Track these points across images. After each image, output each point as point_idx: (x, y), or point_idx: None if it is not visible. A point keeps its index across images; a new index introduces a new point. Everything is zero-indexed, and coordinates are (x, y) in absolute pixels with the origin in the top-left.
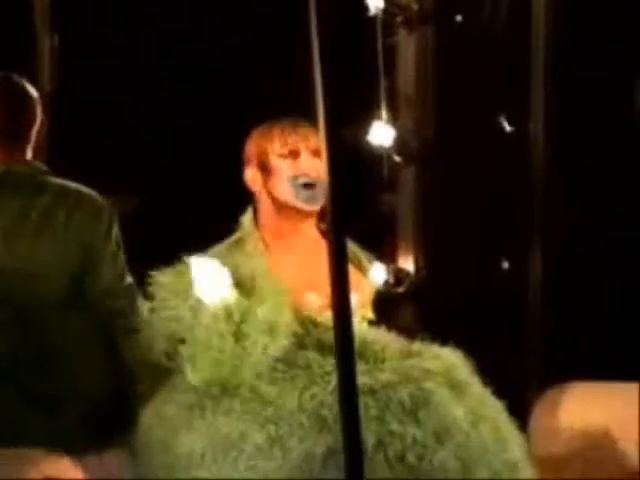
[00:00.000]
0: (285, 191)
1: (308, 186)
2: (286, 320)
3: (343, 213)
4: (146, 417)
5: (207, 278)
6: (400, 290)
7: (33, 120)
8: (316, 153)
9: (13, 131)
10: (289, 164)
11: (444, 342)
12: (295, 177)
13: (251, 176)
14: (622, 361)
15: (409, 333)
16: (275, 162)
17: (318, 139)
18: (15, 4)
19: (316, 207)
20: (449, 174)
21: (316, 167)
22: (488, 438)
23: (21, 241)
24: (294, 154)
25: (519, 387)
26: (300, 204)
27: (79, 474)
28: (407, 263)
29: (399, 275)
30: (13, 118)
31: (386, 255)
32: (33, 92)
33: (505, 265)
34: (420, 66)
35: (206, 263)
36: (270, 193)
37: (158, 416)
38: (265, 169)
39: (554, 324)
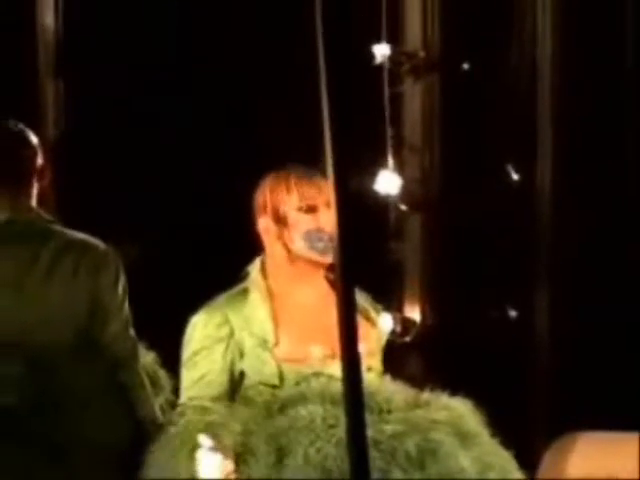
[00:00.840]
0: (301, 243)
1: (323, 240)
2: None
3: (352, 263)
4: (151, 469)
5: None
6: (406, 339)
7: (34, 169)
8: (329, 205)
9: (12, 178)
10: (307, 218)
11: (453, 392)
12: (311, 231)
13: (265, 226)
14: (632, 410)
15: (416, 382)
16: (292, 215)
17: (329, 191)
18: (19, 49)
19: (330, 259)
20: (455, 223)
21: (331, 220)
22: None
23: (30, 290)
24: (312, 208)
25: (526, 437)
26: (315, 256)
27: None
28: (413, 312)
29: (405, 324)
30: (10, 165)
31: (392, 304)
32: (32, 138)
33: (512, 313)
34: (426, 114)
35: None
36: (285, 243)
37: (164, 468)
38: (280, 221)
39: (562, 372)
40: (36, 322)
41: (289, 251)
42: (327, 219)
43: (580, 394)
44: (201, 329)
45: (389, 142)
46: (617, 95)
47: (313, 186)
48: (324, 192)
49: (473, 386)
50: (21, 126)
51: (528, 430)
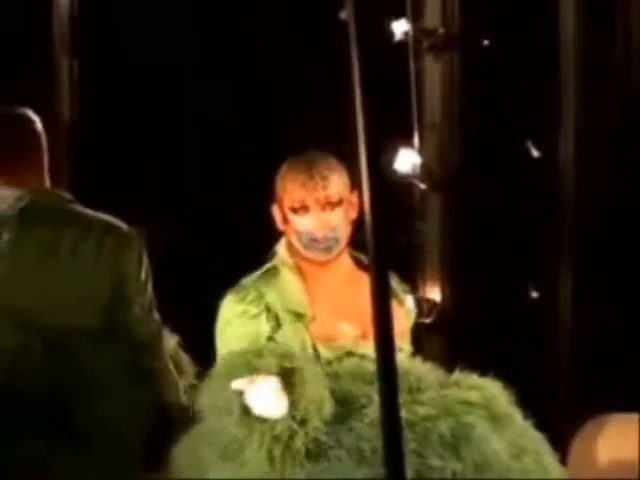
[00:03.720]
0: (297, 242)
1: (316, 241)
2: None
3: (385, 245)
4: (178, 458)
5: (263, 403)
6: (427, 320)
7: (42, 146)
8: (324, 207)
9: (27, 161)
10: (299, 220)
11: (482, 373)
12: (303, 234)
13: (276, 215)
14: None
15: (436, 364)
16: (288, 214)
17: (328, 192)
18: (34, 28)
19: (328, 256)
20: (476, 201)
21: (324, 221)
22: (530, 471)
23: (52, 270)
24: (304, 209)
25: (550, 418)
26: (312, 255)
27: None
28: (433, 293)
29: (426, 305)
30: (24, 148)
31: (412, 285)
32: (34, 117)
33: (534, 294)
34: (446, 92)
35: (260, 386)
36: (291, 236)
37: (190, 458)
38: (283, 216)
39: (585, 354)
40: (58, 305)
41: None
42: (318, 221)
43: (604, 375)
44: (237, 306)
45: (415, 120)
46: None
47: (307, 187)
48: (319, 193)
49: (494, 368)
50: (21, 108)
51: (552, 412)
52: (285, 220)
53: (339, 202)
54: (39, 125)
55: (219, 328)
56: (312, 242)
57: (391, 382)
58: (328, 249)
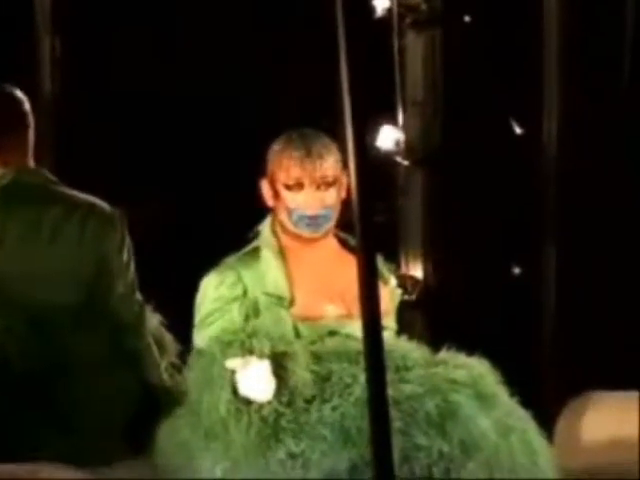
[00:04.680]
0: (287, 218)
1: (306, 217)
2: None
3: (372, 226)
4: (162, 441)
5: (253, 385)
6: (410, 298)
7: (28, 126)
8: (319, 186)
9: (12, 140)
10: (292, 196)
11: (465, 350)
12: (295, 211)
13: (265, 191)
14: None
15: (420, 342)
16: (281, 190)
17: (325, 168)
18: (15, 6)
19: (318, 234)
20: (458, 178)
21: (318, 200)
22: (517, 450)
23: (34, 250)
24: (298, 186)
25: (535, 396)
26: (301, 232)
27: None
28: (416, 270)
29: (409, 283)
30: (9, 126)
31: (395, 262)
32: (23, 96)
33: (516, 271)
34: (428, 68)
35: (252, 367)
36: (280, 213)
37: (174, 440)
38: (274, 191)
39: (569, 331)
40: (41, 285)
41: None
42: (312, 199)
43: (589, 352)
44: (214, 290)
45: (398, 97)
46: (623, 47)
47: (303, 164)
48: (315, 172)
49: (478, 345)
50: (9, 86)
51: (536, 389)
52: (276, 196)
53: (334, 182)
54: (26, 105)
55: (197, 308)
56: (303, 219)
57: (378, 361)
58: (318, 226)
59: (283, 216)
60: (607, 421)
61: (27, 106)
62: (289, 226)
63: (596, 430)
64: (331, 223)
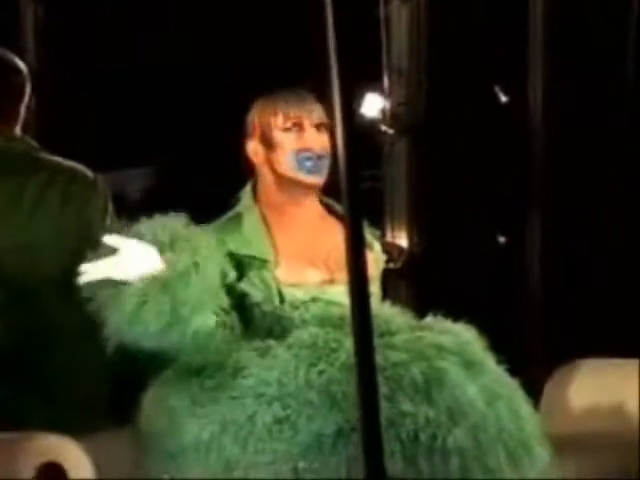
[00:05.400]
0: (288, 164)
1: (311, 159)
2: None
3: (359, 192)
4: (147, 408)
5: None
6: (395, 266)
7: (21, 96)
8: (319, 127)
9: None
10: (293, 138)
11: (452, 319)
12: (298, 151)
13: (253, 149)
14: (626, 336)
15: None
16: (278, 136)
17: (321, 113)
18: None
19: (319, 180)
20: (443, 146)
21: (320, 141)
22: (504, 417)
23: (17, 219)
24: (298, 127)
25: (521, 364)
26: (303, 177)
27: (82, 456)
28: (400, 239)
29: (395, 251)
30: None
31: (379, 230)
32: (21, 66)
33: (501, 240)
34: (413, 36)
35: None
36: (272, 167)
37: (160, 407)
38: (268, 143)
39: (553, 299)
40: (24, 252)
41: (277, 175)
42: (314, 138)
43: (575, 320)
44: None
45: (385, 65)
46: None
47: (300, 107)
48: (313, 114)
49: (463, 313)
50: (8, 53)
51: (522, 357)
52: (267, 149)
53: (328, 127)
54: (19, 75)
55: None
56: (308, 160)
57: (365, 329)
58: (321, 169)
59: (282, 165)
60: (594, 388)
61: (20, 76)
62: (291, 172)
63: (583, 397)
64: (326, 173)
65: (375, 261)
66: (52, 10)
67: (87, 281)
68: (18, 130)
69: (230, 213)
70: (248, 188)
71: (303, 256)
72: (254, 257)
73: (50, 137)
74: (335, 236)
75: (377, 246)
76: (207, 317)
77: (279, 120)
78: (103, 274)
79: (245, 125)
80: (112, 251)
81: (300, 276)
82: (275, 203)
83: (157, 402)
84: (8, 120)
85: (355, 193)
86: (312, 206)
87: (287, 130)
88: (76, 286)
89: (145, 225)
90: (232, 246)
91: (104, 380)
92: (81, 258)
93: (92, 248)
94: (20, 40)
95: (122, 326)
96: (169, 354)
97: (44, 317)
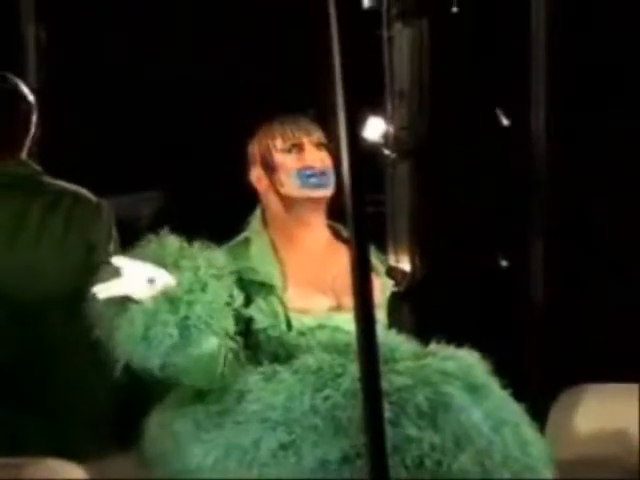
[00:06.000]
0: (292, 185)
1: (314, 175)
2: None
3: (365, 217)
4: (151, 432)
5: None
6: (398, 289)
7: (29, 123)
8: (319, 146)
9: (7, 137)
10: (293, 158)
11: (454, 342)
12: (300, 169)
13: (256, 176)
14: (626, 361)
15: (408, 334)
16: (279, 158)
17: (320, 134)
18: None
19: (325, 192)
20: (446, 170)
21: (320, 158)
22: (510, 442)
23: (21, 240)
24: (298, 148)
25: (523, 388)
26: (308, 192)
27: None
28: (403, 262)
29: (397, 275)
30: (6, 123)
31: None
32: (28, 94)
33: (503, 263)
34: (415, 59)
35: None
36: (277, 190)
37: (164, 431)
38: (269, 166)
39: (556, 323)
40: (27, 275)
41: (283, 198)
42: (315, 157)
43: (577, 344)
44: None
45: (387, 89)
46: (613, 30)
47: (298, 127)
48: (312, 133)
49: (466, 337)
50: (16, 80)
51: (525, 381)
52: (269, 173)
53: (328, 147)
54: (27, 101)
55: None
56: (311, 177)
57: (372, 356)
58: (326, 182)
59: (285, 186)
60: (599, 413)
61: (28, 104)
62: (295, 191)
63: (588, 422)
64: (332, 188)
65: (382, 287)
66: (54, 31)
67: (93, 301)
68: (24, 155)
69: (239, 237)
70: (258, 212)
71: (310, 282)
72: (262, 283)
73: (54, 160)
74: (342, 261)
75: (383, 272)
76: (213, 340)
77: (278, 143)
78: (109, 294)
79: (247, 155)
80: (117, 272)
81: (307, 302)
82: (283, 226)
83: (161, 426)
84: (16, 146)
85: (361, 217)
86: (320, 227)
87: (287, 152)
88: (79, 308)
89: (147, 246)
90: (240, 271)
91: (107, 403)
92: (84, 280)
93: (95, 271)
94: (22, 61)
95: (130, 346)
96: (174, 377)
97: (48, 338)
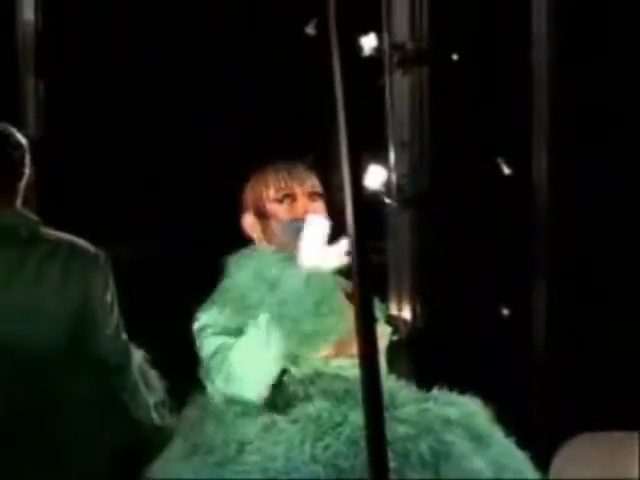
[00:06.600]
0: (283, 235)
1: (302, 228)
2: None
3: (369, 267)
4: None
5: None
6: (398, 338)
7: (22, 171)
8: (312, 196)
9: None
10: (285, 208)
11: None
12: (291, 221)
13: (249, 223)
14: (629, 409)
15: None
16: (271, 207)
17: (315, 182)
18: None
19: None
20: (447, 218)
21: (312, 209)
22: None
23: (18, 293)
24: (290, 198)
25: (525, 437)
26: (299, 243)
27: None
28: (404, 311)
29: (398, 323)
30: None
31: (383, 303)
32: (22, 141)
33: (505, 312)
34: (415, 107)
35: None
36: (270, 239)
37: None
38: (262, 215)
39: (558, 373)
40: (25, 327)
41: (276, 246)
42: (306, 208)
43: (580, 392)
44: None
45: (390, 137)
46: (616, 84)
47: (292, 177)
48: (305, 183)
49: (468, 386)
50: (8, 127)
51: (528, 429)
52: (262, 221)
53: (321, 196)
54: (22, 150)
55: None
56: (298, 231)
57: (377, 405)
58: None
59: (276, 237)
60: (602, 462)
61: (21, 151)
62: (286, 241)
63: (590, 471)
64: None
65: (382, 334)
66: (53, 83)
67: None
68: (19, 203)
69: None
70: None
71: None
72: None
73: (53, 210)
74: None
75: (383, 319)
76: None
77: (271, 192)
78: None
79: (241, 201)
80: None
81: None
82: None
83: (163, 477)
84: (9, 195)
85: (365, 266)
86: None
87: (279, 201)
88: (77, 359)
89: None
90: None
91: (107, 453)
92: (83, 332)
93: (94, 323)
94: (21, 113)
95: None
96: None
97: (45, 388)
